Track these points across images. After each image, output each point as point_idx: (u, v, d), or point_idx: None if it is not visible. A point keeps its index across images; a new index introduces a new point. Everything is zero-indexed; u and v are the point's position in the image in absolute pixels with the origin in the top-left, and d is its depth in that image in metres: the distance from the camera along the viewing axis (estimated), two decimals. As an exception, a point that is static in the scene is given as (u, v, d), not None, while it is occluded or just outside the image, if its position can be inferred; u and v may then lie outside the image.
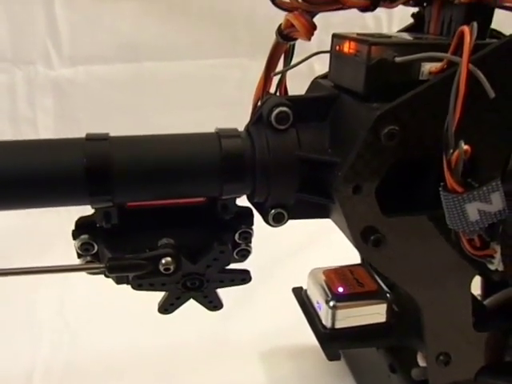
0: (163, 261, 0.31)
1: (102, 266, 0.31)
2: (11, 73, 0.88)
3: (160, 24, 0.91)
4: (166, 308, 0.35)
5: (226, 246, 0.33)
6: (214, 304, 0.35)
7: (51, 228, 0.74)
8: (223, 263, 0.33)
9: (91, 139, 0.29)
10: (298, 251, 0.70)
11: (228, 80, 0.94)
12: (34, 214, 0.69)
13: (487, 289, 0.43)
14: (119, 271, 0.31)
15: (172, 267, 0.31)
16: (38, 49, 0.88)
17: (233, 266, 0.35)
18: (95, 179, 0.28)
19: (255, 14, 0.91)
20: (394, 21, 0.91)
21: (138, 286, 0.32)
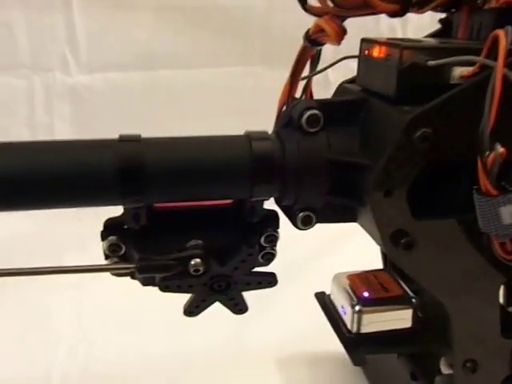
0: (192, 262, 0.31)
1: (132, 266, 0.31)
2: (30, 79, 0.90)
3: (175, 33, 0.92)
4: (191, 310, 0.35)
5: (254, 248, 0.33)
6: (240, 307, 0.35)
7: (62, 236, 0.75)
8: (250, 266, 0.34)
9: (124, 140, 0.29)
10: (317, 256, 0.70)
11: (242, 88, 0.95)
12: (45, 220, 0.70)
13: (511, 296, 0.43)
14: (149, 272, 0.31)
15: (201, 268, 0.31)
16: (57, 56, 0.89)
17: (257, 269, 0.35)
18: (127, 180, 0.28)
19: (269, 23, 0.92)
20: (408, 28, 0.91)
21: (165, 288, 0.32)
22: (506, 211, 0.26)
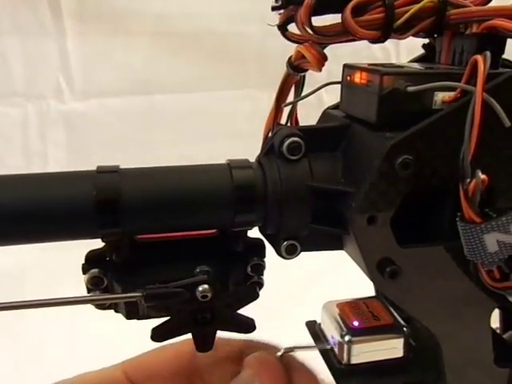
0: (200, 288, 0.30)
1: (138, 295, 0.30)
2: (24, 107, 0.90)
3: (171, 58, 0.93)
4: (161, 335, 0.33)
5: (256, 290, 0.33)
6: (207, 345, 0.34)
7: (61, 265, 0.74)
8: (242, 305, 0.33)
9: (101, 172, 0.29)
10: (308, 283, 0.69)
11: (238, 112, 0.96)
12: (43, 250, 0.69)
13: (506, 322, 0.42)
14: (157, 299, 0.30)
15: (209, 294, 0.30)
16: (51, 83, 0.90)
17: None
18: (105, 212, 0.28)
19: (264, 47, 0.92)
20: (401, 51, 0.92)
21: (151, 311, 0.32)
22: (490, 239, 0.25)
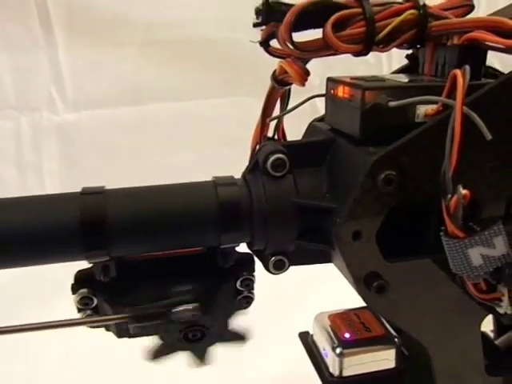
0: (190, 306, 0.30)
1: (125, 315, 0.30)
2: (16, 119, 0.90)
3: (161, 67, 0.93)
4: (155, 356, 0.33)
5: (243, 304, 0.33)
6: (204, 360, 0.34)
7: (54, 281, 0.73)
8: (228, 312, 0.33)
9: (86, 193, 0.29)
10: (301, 293, 0.69)
11: (230, 119, 0.96)
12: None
13: (500, 326, 0.42)
14: (146, 320, 0.30)
15: (197, 312, 0.30)
16: (43, 95, 0.90)
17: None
18: (89, 234, 0.28)
19: (256, 54, 0.92)
20: (393, 56, 0.92)
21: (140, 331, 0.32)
22: (474, 253, 0.25)
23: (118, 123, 0.92)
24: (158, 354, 0.33)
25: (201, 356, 0.33)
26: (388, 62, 0.93)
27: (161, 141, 0.93)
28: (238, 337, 0.34)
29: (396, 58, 0.90)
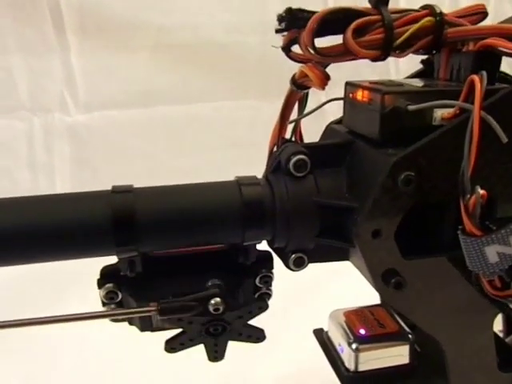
0: (213, 301, 0.31)
1: (153, 309, 0.31)
2: (29, 121, 0.92)
3: (172, 70, 0.94)
4: (174, 347, 0.34)
5: (265, 302, 0.33)
6: (218, 355, 0.35)
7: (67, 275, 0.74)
8: (253, 316, 0.34)
9: (116, 191, 0.30)
10: (316, 289, 0.70)
11: (239, 122, 0.97)
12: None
13: (510, 325, 0.43)
14: (171, 313, 0.31)
15: (221, 307, 0.31)
16: (55, 97, 0.91)
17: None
18: (121, 230, 0.29)
19: (264, 57, 0.94)
20: (400, 60, 0.93)
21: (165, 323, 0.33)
22: (490, 251, 0.26)
23: (128, 125, 0.93)
24: (175, 344, 0.34)
25: (219, 350, 0.35)
26: (395, 64, 0.94)
27: (171, 142, 0.94)
28: (256, 334, 0.35)
29: (404, 61, 0.91)
